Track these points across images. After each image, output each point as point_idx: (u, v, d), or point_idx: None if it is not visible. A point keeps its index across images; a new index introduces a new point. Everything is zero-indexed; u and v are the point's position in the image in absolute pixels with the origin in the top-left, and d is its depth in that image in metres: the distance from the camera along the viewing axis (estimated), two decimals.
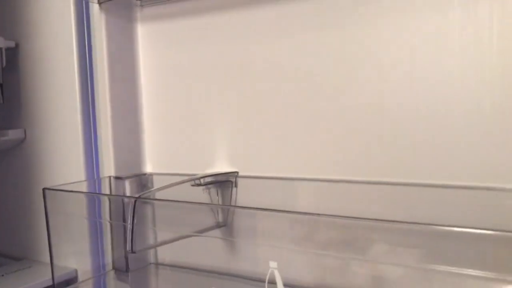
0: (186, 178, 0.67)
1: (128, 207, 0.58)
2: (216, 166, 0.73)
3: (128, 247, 0.56)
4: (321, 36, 0.62)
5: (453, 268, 0.42)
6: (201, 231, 0.69)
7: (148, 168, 0.80)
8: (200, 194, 0.70)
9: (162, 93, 0.78)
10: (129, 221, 0.56)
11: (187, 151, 0.76)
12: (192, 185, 0.67)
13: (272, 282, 0.55)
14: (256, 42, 0.68)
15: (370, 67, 0.59)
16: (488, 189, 0.53)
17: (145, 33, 0.78)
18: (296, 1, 0.64)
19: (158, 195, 0.65)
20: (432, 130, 0.56)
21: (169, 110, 0.77)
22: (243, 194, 0.70)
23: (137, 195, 0.58)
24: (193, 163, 0.75)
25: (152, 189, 0.60)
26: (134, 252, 0.56)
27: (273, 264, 0.52)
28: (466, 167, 0.54)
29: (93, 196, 0.72)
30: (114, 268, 0.77)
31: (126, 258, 0.76)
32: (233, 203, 0.70)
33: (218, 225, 0.71)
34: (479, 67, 0.53)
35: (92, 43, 0.79)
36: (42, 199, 0.83)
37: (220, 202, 0.71)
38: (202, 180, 0.68)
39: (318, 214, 0.59)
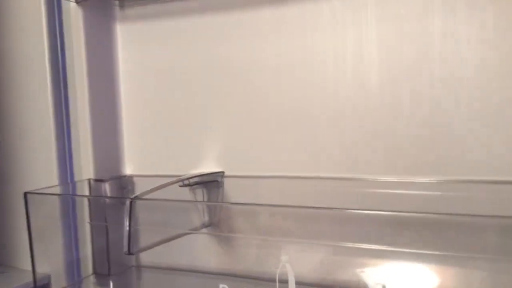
0: (174, 179, 0.68)
1: (119, 209, 0.58)
2: (199, 167, 0.73)
3: (125, 249, 0.55)
4: (304, 35, 0.65)
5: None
6: (186, 232, 0.70)
7: (128, 170, 0.79)
8: (185, 195, 0.71)
9: (142, 94, 0.78)
10: (126, 222, 0.55)
11: (168, 152, 0.76)
12: (181, 186, 0.67)
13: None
14: (236, 43, 0.69)
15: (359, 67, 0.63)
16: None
17: (124, 34, 0.77)
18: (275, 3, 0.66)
19: (147, 196, 0.64)
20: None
21: (150, 110, 0.77)
22: (230, 194, 0.71)
23: (132, 196, 0.58)
24: (175, 164, 0.75)
25: (144, 191, 0.59)
26: (132, 254, 0.55)
27: (284, 258, 0.53)
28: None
29: (75, 199, 0.70)
30: (94, 272, 0.76)
31: (108, 262, 0.75)
32: (219, 203, 0.71)
33: (204, 225, 0.71)
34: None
35: (67, 43, 0.77)
36: (14, 203, 0.80)
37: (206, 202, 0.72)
38: (189, 181, 0.68)
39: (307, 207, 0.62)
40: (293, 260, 0.54)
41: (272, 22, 0.67)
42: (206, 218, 0.72)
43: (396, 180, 0.61)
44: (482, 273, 0.55)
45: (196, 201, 0.66)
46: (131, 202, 0.56)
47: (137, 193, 0.59)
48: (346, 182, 0.64)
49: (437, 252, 0.52)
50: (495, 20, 0.55)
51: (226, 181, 0.71)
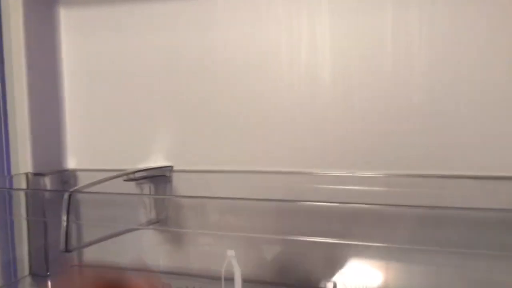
0: (118, 173, 0.64)
1: (59, 204, 0.54)
2: (147, 161, 0.70)
3: (62, 247, 0.52)
4: (259, 27, 0.63)
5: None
6: (133, 228, 0.67)
7: (71, 164, 0.74)
8: (132, 191, 0.68)
9: (86, 84, 0.73)
10: (64, 217, 0.51)
11: (114, 146, 0.72)
12: (125, 180, 0.64)
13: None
14: (186, 32, 0.67)
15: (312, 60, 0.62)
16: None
17: (68, 19, 0.73)
18: None
19: (88, 190, 0.61)
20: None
21: (94, 102, 0.73)
22: (178, 189, 0.68)
23: (71, 189, 0.54)
24: (121, 158, 0.72)
25: (85, 184, 0.56)
26: (70, 251, 0.52)
27: (230, 253, 0.51)
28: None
29: (12, 193, 0.65)
30: (31, 273, 0.71)
31: (46, 261, 0.70)
32: (167, 198, 0.69)
33: (151, 222, 0.68)
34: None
35: (4, 28, 0.72)
36: None
37: (153, 199, 0.69)
38: (135, 175, 0.65)
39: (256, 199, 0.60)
40: (241, 255, 0.52)
41: (223, 11, 0.65)
42: (153, 214, 0.69)
43: (346, 174, 0.60)
44: (432, 265, 0.55)
45: (139, 194, 0.63)
46: (69, 196, 0.53)
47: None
48: (296, 176, 0.63)
49: (384, 245, 0.51)
50: (446, 13, 0.55)
51: (175, 176, 0.68)
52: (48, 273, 0.71)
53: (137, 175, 0.65)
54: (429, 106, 0.57)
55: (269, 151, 0.64)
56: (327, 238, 0.51)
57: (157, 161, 0.69)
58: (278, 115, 0.63)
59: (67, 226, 0.52)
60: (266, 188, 0.64)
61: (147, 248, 0.70)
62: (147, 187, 0.69)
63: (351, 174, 0.60)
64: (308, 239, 0.52)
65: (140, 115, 0.70)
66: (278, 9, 0.62)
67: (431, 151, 0.57)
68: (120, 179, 0.64)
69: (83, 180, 0.73)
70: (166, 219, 0.68)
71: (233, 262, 0.51)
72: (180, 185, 0.68)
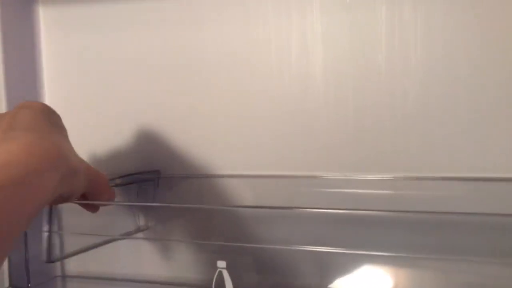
0: None
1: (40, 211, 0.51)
2: (133, 165, 0.67)
3: (44, 257, 0.49)
4: (247, 25, 0.61)
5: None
6: (119, 237, 0.64)
7: None
8: (116, 197, 0.65)
9: (68, 86, 0.70)
10: (45, 228, 0.48)
11: (98, 150, 0.69)
12: (111, 186, 0.61)
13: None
14: (173, 31, 0.64)
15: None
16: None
17: (48, 18, 0.70)
18: None
19: None
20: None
21: (76, 104, 0.70)
22: (166, 195, 0.65)
23: None
24: (104, 162, 0.69)
25: None
26: (53, 262, 0.49)
27: (221, 264, 0.49)
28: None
29: None
30: (11, 285, 0.67)
31: (27, 272, 0.67)
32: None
33: (139, 229, 0.65)
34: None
35: None
36: None
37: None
38: (120, 180, 0.62)
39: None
40: (232, 266, 0.50)
41: (212, 9, 0.62)
42: (142, 221, 0.66)
43: (340, 178, 0.58)
44: (435, 273, 0.53)
45: (121, 202, 0.60)
46: (50, 206, 0.50)
47: None
48: (288, 180, 0.61)
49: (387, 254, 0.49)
50: (442, 8, 0.53)
51: (162, 181, 0.65)
52: (30, 284, 0.67)
53: (123, 180, 0.62)
54: (426, 106, 0.55)
55: (260, 155, 0.62)
56: (325, 248, 0.48)
57: (143, 165, 0.66)
58: (270, 118, 0.61)
59: (49, 236, 0.49)
60: (258, 193, 0.62)
61: (134, 257, 0.68)
62: (134, 193, 0.66)
63: (344, 177, 0.58)
64: (307, 249, 0.50)
65: (124, 117, 0.67)
66: (268, 7, 0.60)
67: (428, 152, 0.55)
68: None
69: None
70: (156, 226, 0.66)
71: (224, 274, 0.48)
72: (168, 190, 0.65)
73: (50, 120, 0.43)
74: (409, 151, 0.56)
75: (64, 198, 0.41)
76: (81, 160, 0.44)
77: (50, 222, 0.48)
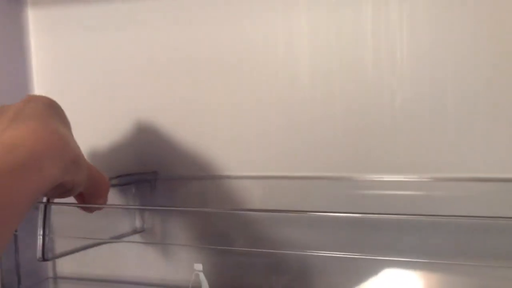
0: None
1: (31, 212, 0.49)
2: (129, 166, 0.65)
3: (39, 255, 0.47)
4: (234, 23, 0.59)
5: None
6: (117, 238, 0.62)
7: None
8: (112, 197, 0.63)
9: (59, 87, 0.68)
10: (40, 231, 0.47)
11: (92, 150, 0.67)
12: None
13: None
14: (160, 30, 0.62)
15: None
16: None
17: (37, 20, 0.67)
18: None
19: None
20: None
21: (69, 104, 0.67)
22: (163, 196, 0.64)
23: (45, 200, 0.49)
24: (100, 163, 0.66)
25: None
26: (47, 260, 0.48)
27: (197, 267, 0.48)
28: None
29: None
30: (2, 285, 0.66)
31: (18, 272, 0.65)
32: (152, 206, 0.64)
33: (136, 231, 0.64)
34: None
35: None
36: None
37: (138, 206, 0.64)
38: (117, 181, 0.61)
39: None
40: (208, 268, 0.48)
41: (200, 7, 0.60)
42: (138, 223, 0.64)
43: (329, 175, 0.57)
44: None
45: (116, 205, 0.58)
46: (45, 207, 0.48)
47: None
48: (290, 181, 0.59)
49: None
50: (427, 6, 0.52)
51: (160, 182, 0.64)
52: (20, 285, 0.65)
53: (119, 180, 0.61)
54: (414, 105, 0.53)
55: (253, 156, 0.60)
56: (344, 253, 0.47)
57: (140, 165, 0.65)
58: (258, 118, 0.59)
59: (43, 238, 0.47)
60: (260, 194, 0.60)
61: (127, 259, 0.66)
62: (130, 194, 0.64)
63: (333, 175, 0.57)
64: (312, 253, 0.49)
65: (118, 117, 0.65)
66: (254, 5, 0.58)
67: (416, 152, 0.54)
68: None
69: None
70: (153, 228, 0.64)
71: (201, 276, 0.47)
72: (166, 191, 0.64)
73: (56, 113, 0.43)
74: (402, 150, 0.54)
75: (65, 190, 0.41)
76: (84, 158, 0.43)
77: (44, 226, 0.47)
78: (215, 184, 0.62)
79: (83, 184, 0.44)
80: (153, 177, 0.64)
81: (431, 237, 0.52)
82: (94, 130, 0.66)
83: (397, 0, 0.53)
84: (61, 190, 0.41)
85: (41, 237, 0.47)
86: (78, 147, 0.43)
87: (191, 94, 0.62)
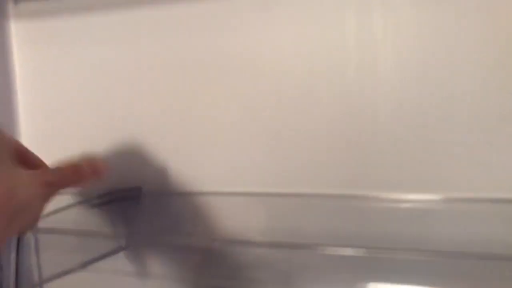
0: (79, 199, 0.59)
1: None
2: (113, 181, 0.65)
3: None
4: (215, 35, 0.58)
5: None
6: (101, 257, 0.61)
7: None
8: (97, 214, 0.62)
9: (43, 101, 0.68)
10: (13, 256, 0.46)
11: None
12: (86, 207, 0.59)
13: None
14: (147, 44, 0.61)
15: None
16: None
17: (21, 33, 0.67)
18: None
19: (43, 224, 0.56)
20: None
21: (52, 119, 0.67)
22: (148, 213, 0.63)
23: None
24: None
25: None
26: None
27: None
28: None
29: None
30: None
31: None
32: (137, 223, 0.63)
33: (121, 248, 0.63)
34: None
35: None
36: None
37: (122, 223, 0.63)
38: (99, 200, 0.60)
39: None
40: None
41: (175, 21, 0.59)
42: (122, 241, 0.63)
43: (316, 192, 0.55)
44: None
45: (92, 230, 0.57)
46: (18, 240, 0.47)
47: None
48: (277, 198, 0.57)
49: None
50: (411, 15, 0.50)
51: (145, 198, 0.63)
52: None
53: (102, 200, 0.60)
54: (397, 120, 0.51)
55: (243, 172, 0.59)
56: None
57: (124, 181, 0.64)
58: (244, 135, 0.58)
59: (16, 268, 0.46)
60: (244, 212, 0.59)
61: (113, 279, 0.65)
62: (114, 210, 0.63)
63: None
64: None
65: (103, 134, 0.64)
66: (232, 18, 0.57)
67: (401, 169, 0.52)
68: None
69: None
70: (137, 245, 0.63)
71: None
72: (151, 207, 0.63)
73: None
74: (383, 168, 0.52)
75: (25, 229, 0.39)
76: (33, 176, 0.41)
77: (18, 253, 0.46)
78: (201, 200, 0.61)
79: (43, 207, 0.42)
80: (137, 193, 0.63)
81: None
82: (75, 142, 0.66)
83: (381, 9, 0.51)
84: (20, 231, 0.39)
85: (13, 269, 0.46)
86: (23, 176, 0.40)
87: (175, 109, 0.61)
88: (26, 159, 0.44)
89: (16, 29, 0.67)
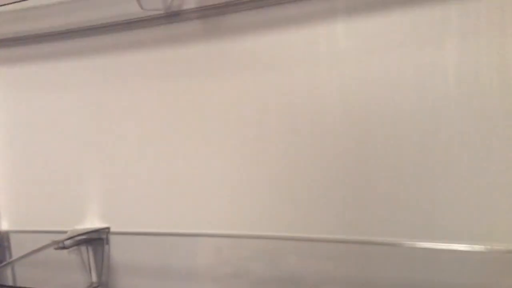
0: (48, 242, 0.60)
1: None
2: (82, 222, 0.66)
3: None
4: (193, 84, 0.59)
5: None
6: None
7: (4, 226, 0.70)
8: (68, 256, 0.64)
9: (19, 143, 0.69)
10: None
11: (48, 206, 0.67)
12: (56, 249, 0.60)
13: None
14: (121, 87, 0.62)
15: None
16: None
17: None
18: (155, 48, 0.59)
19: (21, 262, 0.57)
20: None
21: (27, 161, 0.68)
22: (116, 252, 0.64)
23: None
24: (56, 218, 0.67)
25: (7, 261, 0.52)
26: None
27: None
28: None
29: None
30: None
31: None
32: (106, 262, 0.65)
33: (92, 286, 0.65)
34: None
35: None
36: None
37: (92, 262, 0.65)
38: (67, 242, 0.61)
39: None
40: None
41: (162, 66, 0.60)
42: (94, 278, 0.65)
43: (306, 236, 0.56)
44: None
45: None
46: None
47: (13, 251, 0.51)
48: (238, 241, 0.59)
49: None
50: (378, 31, 0.51)
51: (112, 238, 0.64)
52: None
53: (69, 242, 0.61)
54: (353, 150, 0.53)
55: (208, 213, 0.60)
56: None
57: (93, 222, 0.65)
58: (216, 176, 0.59)
59: None
60: (213, 252, 0.60)
61: None
62: (84, 250, 0.65)
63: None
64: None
65: (74, 174, 0.66)
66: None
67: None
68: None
69: (16, 242, 0.69)
70: (107, 282, 0.65)
71: None
72: (118, 247, 0.64)
73: None
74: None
75: None
76: None
77: None
78: (170, 241, 0.62)
79: None
80: (106, 233, 0.64)
81: None
82: (50, 183, 0.67)
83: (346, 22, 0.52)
84: None
85: None
86: None
87: (146, 152, 0.62)
88: None
89: None
